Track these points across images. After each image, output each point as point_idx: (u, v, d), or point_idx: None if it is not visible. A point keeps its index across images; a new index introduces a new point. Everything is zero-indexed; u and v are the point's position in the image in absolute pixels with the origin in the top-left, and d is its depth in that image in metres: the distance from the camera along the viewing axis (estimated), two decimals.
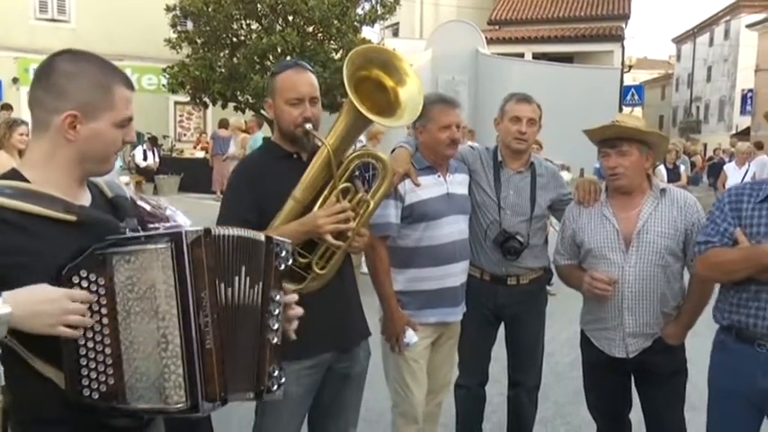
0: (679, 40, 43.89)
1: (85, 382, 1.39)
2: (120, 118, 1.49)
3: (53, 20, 17.67)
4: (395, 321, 2.80)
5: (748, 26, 32.57)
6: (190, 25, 14.84)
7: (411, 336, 2.82)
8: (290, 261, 1.63)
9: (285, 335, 1.65)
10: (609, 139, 2.61)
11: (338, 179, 2.23)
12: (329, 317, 2.27)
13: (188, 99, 15.62)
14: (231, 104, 14.77)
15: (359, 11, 14.82)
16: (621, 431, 2.90)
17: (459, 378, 3.24)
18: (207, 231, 1.43)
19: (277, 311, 1.59)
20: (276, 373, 1.58)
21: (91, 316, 1.39)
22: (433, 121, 2.77)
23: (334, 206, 2.19)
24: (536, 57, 21.34)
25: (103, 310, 1.39)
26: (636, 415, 2.87)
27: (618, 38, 21.86)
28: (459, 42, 18.27)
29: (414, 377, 2.88)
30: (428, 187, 2.83)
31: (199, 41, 14.52)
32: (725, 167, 10.61)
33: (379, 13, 14.93)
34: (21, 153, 5.17)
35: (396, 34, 24.77)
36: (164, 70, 14.51)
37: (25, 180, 1.43)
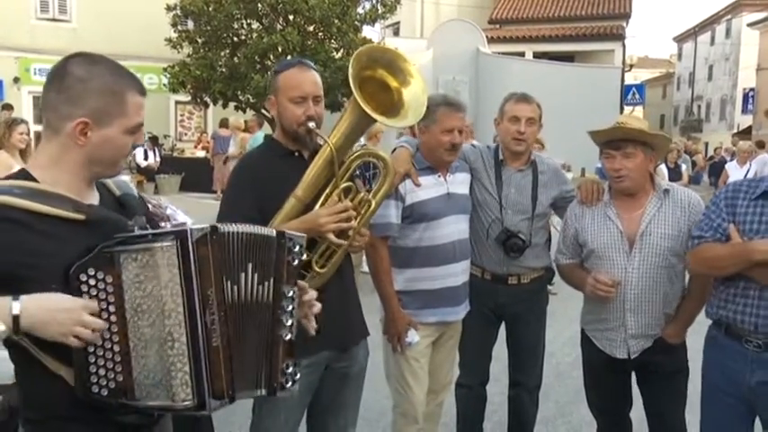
0: (680, 39, 43.85)
1: (94, 378, 1.40)
2: (132, 124, 1.50)
3: (54, 19, 17.67)
4: (396, 321, 2.80)
5: (749, 25, 32.54)
6: (190, 25, 14.84)
7: (412, 335, 2.82)
8: (304, 256, 1.63)
9: (303, 330, 1.65)
10: (613, 140, 2.60)
11: (340, 178, 2.23)
12: (328, 316, 2.25)
13: (189, 98, 15.64)
14: (232, 104, 14.78)
15: (359, 10, 14.82)
16: (622, 430, 2.89)
17: (459, 377, 3.23)
18: (213, 229, 1.44)
19: (290, 307, 1.59)
20: (290, 369, 1.58)
21: (99, 313, 1.39)
22: (437, 122, 2.76)
23: (337, 205, 2.19)
24: (537, 56, 21.32)
25: (111, 308, 1.40)
26: (636, 414, 2.87)
27: (619, 37, 21.83)
28: (460, 41, 18.25)
29: (415, 376, 2.87)
30: (428, 187, 2.83)
31: (199, 41, 14.52)
32: (726, 166, 10.61)
33: (379, 12, 14.93)
34: (21, 153, 5.17)
35: (396, 33, 24.76)
36: (164, 70, 14.51)
37: (34, 180, 1.45)
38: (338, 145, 2.22)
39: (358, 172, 2.39)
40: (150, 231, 1.46)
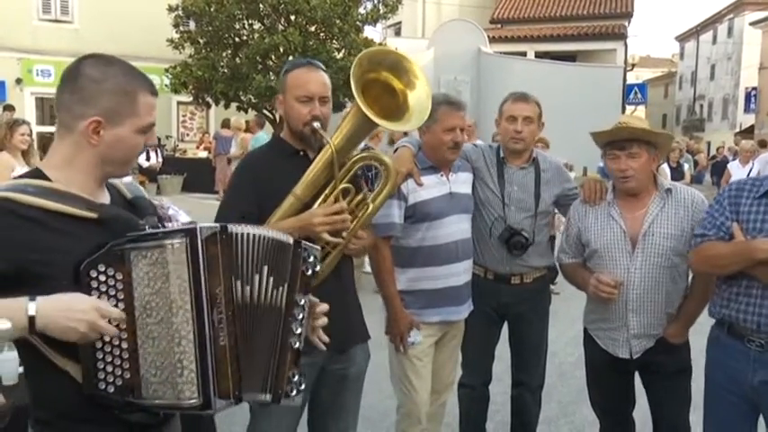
0: (682, 39, 43.79)
1: (101, 375, 1.40)
2: (143, 124, 1.52)
3: (56, 20, 17.68)
4: (399, 321, 2.80)
5: (752, 24, 32.50)
6: (192, 25, 14.86)
7: (415, 335, 2.82)
8: (318, 267, 1.65)
9: (308, 341, 1.66)
10: (617, 141, 2.60)
11: (339, 180, 2.23)
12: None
13: (191, 99, 15.67)
14: (234, 104, 14.79)
15: (361, 10, 14.83)
16: (624, 429, 2.89)
17: (462, 377, 3.23)
18: (223, 228, 1.45)
19: (301, 316, 1.60)
20: (296, 378, 1.59)
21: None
22: (438, 121, 2.76)
23: (332, 206, 2.20)
24: (538, 55, 21.29)
25: (120, 305, 1.41)
26: (640, 414, 2.86)
27: (621, 36, 21.80)
28: (462, 41, 18.22)
29: (418, 376, 2.87)
30: (431, 187, 2.83)
31: (201, 41, 14.55)
32: (729, 166, 10.58)
33: (381, 12, 14.94)
34: (23, 153, 5.18)
35: (398, 33, 24.76)
36: (166, 70, 14.53)
37: (47, 179, 1.47)
38: (339, 146, 2.22)
39: (360, 172, 2.39)
40: (160, 230, 1.48)
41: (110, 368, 1.40)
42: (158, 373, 1.40)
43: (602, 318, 2.70)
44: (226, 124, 13.88)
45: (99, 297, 1.39)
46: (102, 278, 1.40)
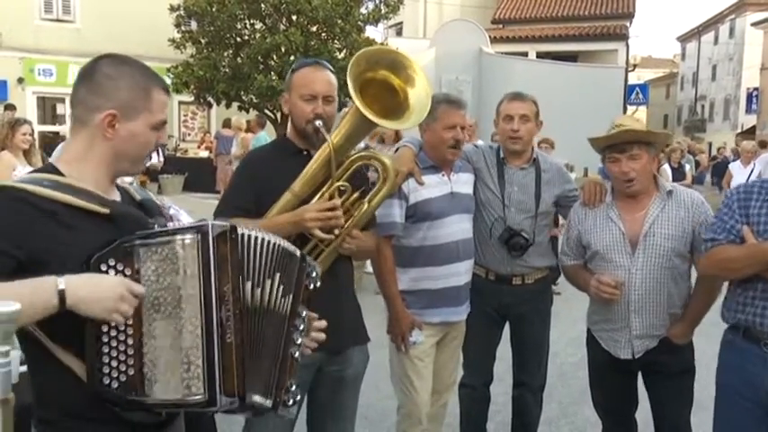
0: (684, 39, 43.75)
1: (106, 369, 1.40)
2: (156, 120, 1.56)
3: (58, 20, 17.68)
4: (400, 321, 2.80)
5: (753, 24, 32.45)
6: (194, 25, 14.85)
7: (416, 335, 2.82)
8: (318, 284, 1.67)
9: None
10: (618, 143, 2.59)
11: (336, 178, 2.24)
12: (319, 317, 2.25)
13: (192, 99, 15.66)
14: (235, 104, 14.79)
15: (362, 10, 14.83)
16: (627, 430, 2.88)
17: (463, 377, 3.23)
18: (233, 228, 1.47)
19: (302, 327, 1.62)
20: (293, 388, 1.59)
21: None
22: (438, 120, 2.77)
23: (326, 202, 2.20)
24: (540, 56, 21.29)
25: None
26: (642, 415, 2.86)
27: (622, 37, 21.79)
28: (463, 41, 18.23)
29: (419, 376, 2.87)
30: (432, 186, 2.83)
31: (203, 41, 14.55)
32: (730, 166, 10.57)
33: (382, 12, 14.95)
34: (25, 153, 5.18)
35: (399, 33, 24.76)
36: (168, 70, 14.51)
37: (60, 174, 1.49)
38: (338, 145, 2.23)
39: (360, 172, 2.39)
40: (171, 228, 1.50)
41: (114, 363, 1.40)
42: (164, 369, 1.40)
43: (605, 319, 2.70)
44: (227, 124, 13.89)
45: None
46: (112, 273, 1.41)
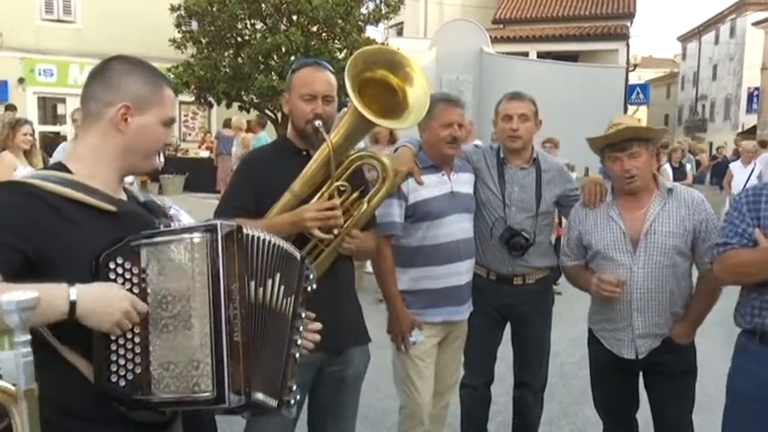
0: (684, 39, 43.73)
1: (114, 367, 1.41)
2: (167, 116, 1.61)
3: (59, 20, 17.68)
4: (400, 321, 2.80)
5: (754, 24, 32.42)
6: (194, 25, 14.86)
7: (417, 335, 2.82)
8: (315, 286, 1.70)
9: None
10: (617, 142, 2.58)
11: (336, 177, 2.24)
12: (319, 317, 2.24)
13: (193, 99, 15.65)
14: (236, 104, 14.79)
15: (363, 10, 14.84)
16: (628, 430, 2.88)
17: (464, 377, 3.22)
18: (239, 228, 1.48)
19: (302, 328, 1.65)
20: (294, 388, 1.60)
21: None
22: (435, 118, 2.77)
23: (325, 202, 2.20)
24: (541, 56, 21.28)
25: None
26: (643, 416, 2.86)
27: (623, 36, 21.78)
28: (464, 41, 18.22)
29: (420, 376, 2.87)
30: (432, 186, 2.83)
31: (203, 41, 14.55)
32: (730, 166, 10.56)
33: (383, 12, 14.95)
34: (26, 153, 5.18)
35: (400, 34, 24.76)
36: (168, 70, 14.47)
37: (69, 172, 1.51)
38: (337, 145, 2.23)
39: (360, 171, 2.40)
40: (178, 227, 1.52)
41: (122, 361, 1.41)
42: (171, 367, 1.41)
43: (607, 318, 2.70)
44: (228, 124, 13.89)
45: None
46: (120, 270, 1.42)
